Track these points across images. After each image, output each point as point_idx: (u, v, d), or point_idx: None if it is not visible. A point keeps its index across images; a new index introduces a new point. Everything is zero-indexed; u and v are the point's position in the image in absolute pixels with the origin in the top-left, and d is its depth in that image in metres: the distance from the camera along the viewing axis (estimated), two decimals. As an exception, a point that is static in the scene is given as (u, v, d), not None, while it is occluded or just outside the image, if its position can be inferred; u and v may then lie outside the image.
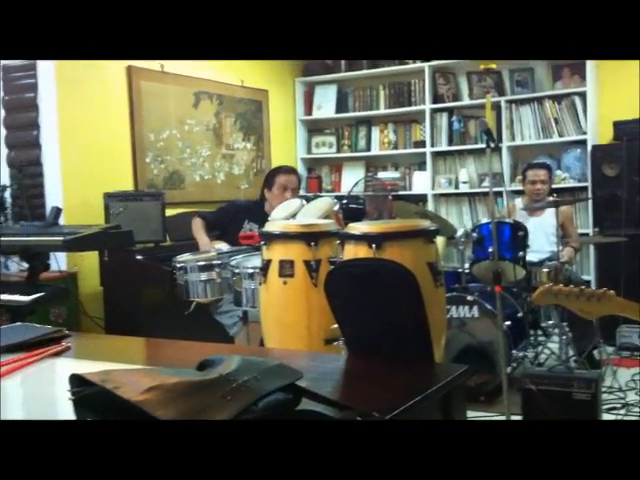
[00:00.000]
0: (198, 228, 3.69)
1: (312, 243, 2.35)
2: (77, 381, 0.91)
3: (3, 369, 1.41)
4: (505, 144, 5.21)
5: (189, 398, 0.88)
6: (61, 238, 3.05)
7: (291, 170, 3.93)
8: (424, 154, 5.61)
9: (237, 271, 2.87)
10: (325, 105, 6.05)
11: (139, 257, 3.88)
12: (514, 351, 3.58)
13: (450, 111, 5.56)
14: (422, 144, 5.63)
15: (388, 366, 1.33)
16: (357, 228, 2.20)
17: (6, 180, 4.17)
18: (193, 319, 3.23)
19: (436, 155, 5.64)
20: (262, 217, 3.83)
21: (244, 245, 3.36)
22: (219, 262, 3.14)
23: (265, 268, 2.44)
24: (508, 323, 3.53)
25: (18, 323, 1.99)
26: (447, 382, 1.25)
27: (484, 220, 3.88)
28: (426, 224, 2.21)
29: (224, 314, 3.37)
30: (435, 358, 1.46)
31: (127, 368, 1.37)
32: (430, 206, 5.55)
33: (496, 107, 5.14)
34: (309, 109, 6.13)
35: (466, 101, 5.48)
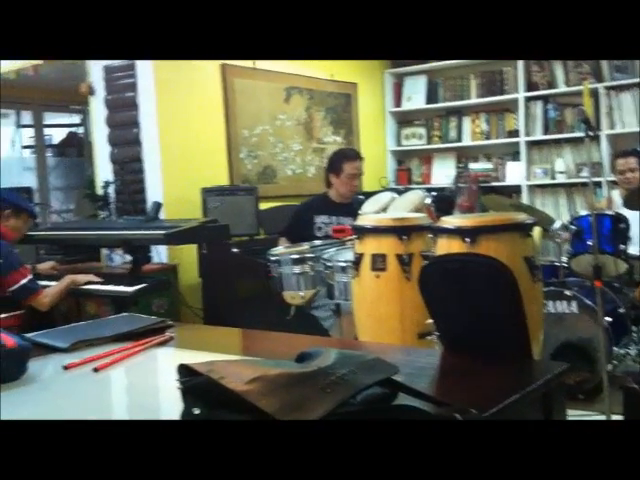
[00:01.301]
0: (283, 245, 3.76)
1: (404, 237, 2.34)
2: (185, 371, 0.96)
3: (111, 358, 1.49)
4: (604, 132, 5.00)
5: (290, 389, 0.91)
6: (162, 232, 3.19)
7: (357, 156, 3.92)
8: (518, 144, 5.47)
9: (329, 264, 2.89)
10: (415, 96, 6.00)
11: (235, 250, 3.99)
12: (615, 348, 3.44)
13: (545, 99, 5.38)
14: (516, 133, 5.49)
15: (485, 363, 1.31)
16: (450, 222, 2.18)
17: (109, 176, 4.38)
18: (287, 312, 3.29)
19: (531, 145, 5.48)
20: (329, 207, 3.87)
21: (336, 238, 3.40)
22: (312, 255, 3.17)
23: (357, 262, 2.45)
24: (609, 319, 3.40)
25: (124, 314, 2.08)
26: (546, 380, 1.23)
27: (583, 212, 3.75)
28: (522, 217, 2.16)
29: (318, 307, 3.41)
30: (533, 355, 1.44)
31: (230, 359, 1.43)
32: (525, 197, 5.41)
33: (594, 94, 4.94)
34: (398, 101, 6.09)
35: (562, 88, 5.29)
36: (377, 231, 2.41)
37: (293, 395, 0.90)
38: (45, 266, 3.64)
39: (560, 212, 5.30)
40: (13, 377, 1.34)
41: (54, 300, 3.10)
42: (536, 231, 3.04)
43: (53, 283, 3.34)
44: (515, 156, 5.55)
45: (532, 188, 5.48)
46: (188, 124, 4.37)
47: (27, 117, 7.12)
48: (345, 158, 3.84)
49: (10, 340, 1.36)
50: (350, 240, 3.02)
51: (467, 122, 5.83)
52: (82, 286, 3.27)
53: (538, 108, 5.40)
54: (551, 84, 5.36)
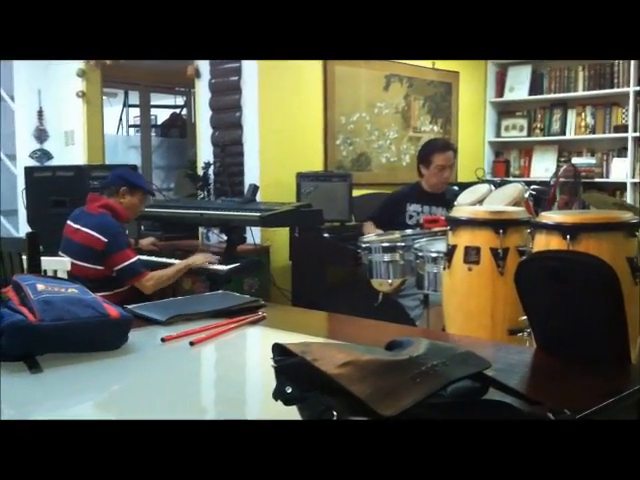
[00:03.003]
0: (370, 228, 3.76)
1: (500, 230, 2.30)
2: (279, 350, 0.98)
3: (207, 333, 1.55)
4: None
5: (381, 377, 0.92)
6: (258, 214, 3.25)
7: (447, 147, 3.84)
8: (625, 139, 5.22)
9: (420, 254, 2.88)
10: (518, 87, 5.83)
11: (326, 235, 4.03)
12: None
13: (658, 93, 5.11)
14: (624, 129, 5.24)
15: (579, 364, 1.28)
16: (550, 217, 2.12)
17: (210, 158, 4.50)
18: (375, 298, 3.30)
19: (639, 141, 5.22)
20: (421, 196, 3.82)
21: (427, 229, 3.37)
22: (403, 244, 3.17)
23: (450, 253, 2.43)
24: None
25: (220, 291, 2.15)
26: (644, 386, 1.19)
27: (693, 214, 3.55)
28: (627, 216, 2.07)
29: (406, 296, 3.40)
30: (631, 359, 1.39)
31: (323, 342, 1.46)
32: (629, 195, 5.18)
33: None
34: (500, 91, 5.94)
35: (678, 82, 5.01)
36: (472, 223, 2.38)
37: (384, 382, 0.90)
38: (146, 242, 3.79)
39: (667, 213, 5.04)
40: (115, 346, 1.42)
41: (160, 284, 3.08)
42: None
43: (153, 258, 3.48)
44: (621, 152, 5.31)
45: (637, 186, 5.23)
46: (287, 109, 4.43)
47: (134, 97, 7.42)
48: (435, 149, 3.79)
49: (114, 311, 1.44)
50: (441, 231, 2.99)
51: (572, 115, 5.61)
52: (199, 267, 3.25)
53: (649, 103, 5.14)
54: (665, 78, 5.08)
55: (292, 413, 0.93)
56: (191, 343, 1.48)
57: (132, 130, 8.01)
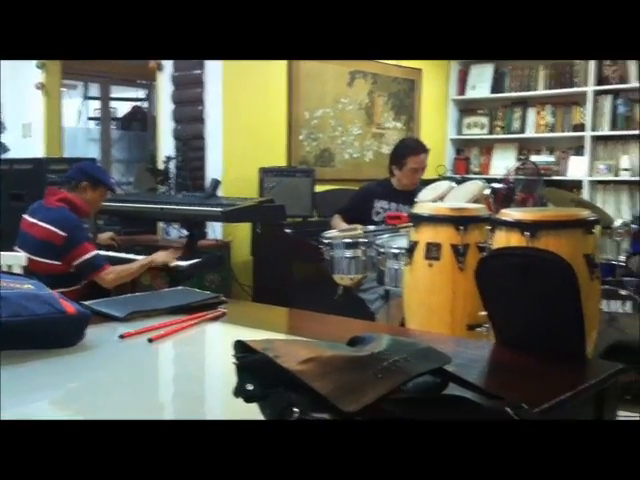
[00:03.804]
0: (338, 223, 3.76)
1: (461, 227, 2.32)
2: (241, 347, 0.97)
3: (166, 330, 1.53)
4: (676, 131, 4.83)
5: (343, 372, 0.91)
6: (220, 209, 3.23)
7: (422, 149, 3.81)
8: (583, 138, 5.33)
9: (382, 250, 2.89)
10: (480, 85, 5.90)
11: (288, 231, 4.02)
12: (669, 352, 3.35)
13: (615, 93, 5.22)
14: (581, 127, 5.35)
15: (538, 359, 1.30)
16: (510, 214, 2.15)
17: (171, 152, 4.45)
18: (335, 292, 3.31)
19: (596, 140, 5.34)
20: (390, 193, 3.83)
21: (389, 225, 3.39)
22: (365, 240, 3.18)
23: (411, 249, 2.44)
24: (665, 322, 3.31)
25: (180, 287, 2.12)
26: (600, 380, 1.21)
27: (647, 211, 3.64)
28: (585, 213, 2.11)
29: (367, 290, 3.42)
30: (587, 354, 1.42)
31: (286, 338, 1.45)
32: (586, 193, 5.28)
33: (669, 90, 4.77)
34: (462, 89, 6.00)
35: (635, 83, 5.12)
36: (434, 220, 2.39)
37: (346, 378, 0.90)
38: (104, 236, 3.73)
39: (621, 210, 5.16)
40: (71, 342, 1.39)
41: (121, 279, 3.02)
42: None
43: (111, 253, 3.42)
44: (579, 150, 5.42)
45: (594, 184, 5.34)
46: (251, 103, 4.40)
47: (94, 89, 7.29)
48: (410, 152, 3.75)
49: (71, 307, 1.41)
50: (404, 227, 3.01)
51: (532, 113, 5.71)
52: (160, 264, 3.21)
53: (607, 103, 5.25)
54: (623, 79, 5.19)
55: (253, 410, 0.92)
56: (150, 340, 1.46)
57: (92, 123, 7.87)
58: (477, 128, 5.98)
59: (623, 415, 3.14)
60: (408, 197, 3.74)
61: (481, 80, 5.89)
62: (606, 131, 5.24)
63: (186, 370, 1.39)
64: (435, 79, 5.83)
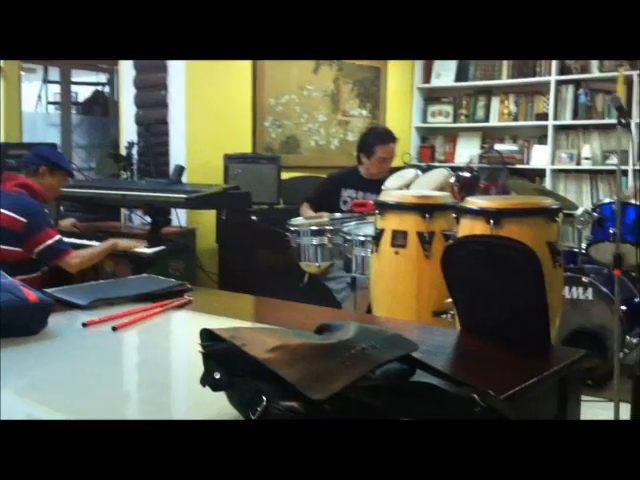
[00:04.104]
0: (306, 211, 3.75)
1: (427, 215, 2.33)
2: (207, 335, 0.96)
3: (130, 318, 1.51)
4: (635, 121, 4.91)
5: (311, 361, 0.91)
6: (184, 196, 3.19)
7: (391, 139, 3.76)
8: (545, 127, 5.39)
9: (349, 238, 2.90)
10: (444, 73, 5.92)
11: (254, 218, 4.00)
12: (628, 337, 3.43)
13: (577, 83, 5.29)
14: (544, 117, 5.41)
15: (503, 346, 1.31)
16: (475, 202, 2.17)
17: (134, 137, 4.38)
18: (301, 279, 3.31)
19: (558, 129, 5.41)
20: (358, 182, 3.82)
21: (355, 213, 3.39)
22: (331, 228, 3.17)
23: (378, 237, 2.45)
24: (624, 308, 3.38)
25: (144, 275, 2.09)
26: (564, 366, 1.23)
27: (606, 200, 3.70)
28: (548, 202, 2.14)
29: (333, 280, 3.42)
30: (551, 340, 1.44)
31: (253, 327, 1.44)
32: (548, 181, 5.36)
33: (628, 81, 4.85)
34: (427, 77, 6.02)
35: (595, 73, 5.19)
36: (399, 208, 2.41)
37: (314, 366, 0.90)
38: (66, 223, 3.66)
39: (582, 198, 5.25)
40: (33, 331, 1.37)
41: (86, 262, 3.01)
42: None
43: (73, 240, 3.36)
44: (542, 139, 5.49)
45: (556, 172, 5.42)
46: (216, 89, 4.35)
47: (54, 73, 7.13)
48: (379, 141, 3.71)
49: (33, 295, 1.38)
50: (371, 215, 3.02)
51: (496, 102, 5.75)
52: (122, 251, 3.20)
53: (569, 92, 5.31)
54: (585, 69, 5.27)
55: (220, 399, 0.91)
56: (114, 328, 1.44)
57: (51, 107, 7.70)
58: (442, 116, 6.01)
59: (584, 400, 3.22)
60: (376, 186, 3.72)
61: (446, 69, 5.91)
62: (568, 120, 5.32)
63: (152, 359, 1.37)
64: (400, 67, 5.83)
